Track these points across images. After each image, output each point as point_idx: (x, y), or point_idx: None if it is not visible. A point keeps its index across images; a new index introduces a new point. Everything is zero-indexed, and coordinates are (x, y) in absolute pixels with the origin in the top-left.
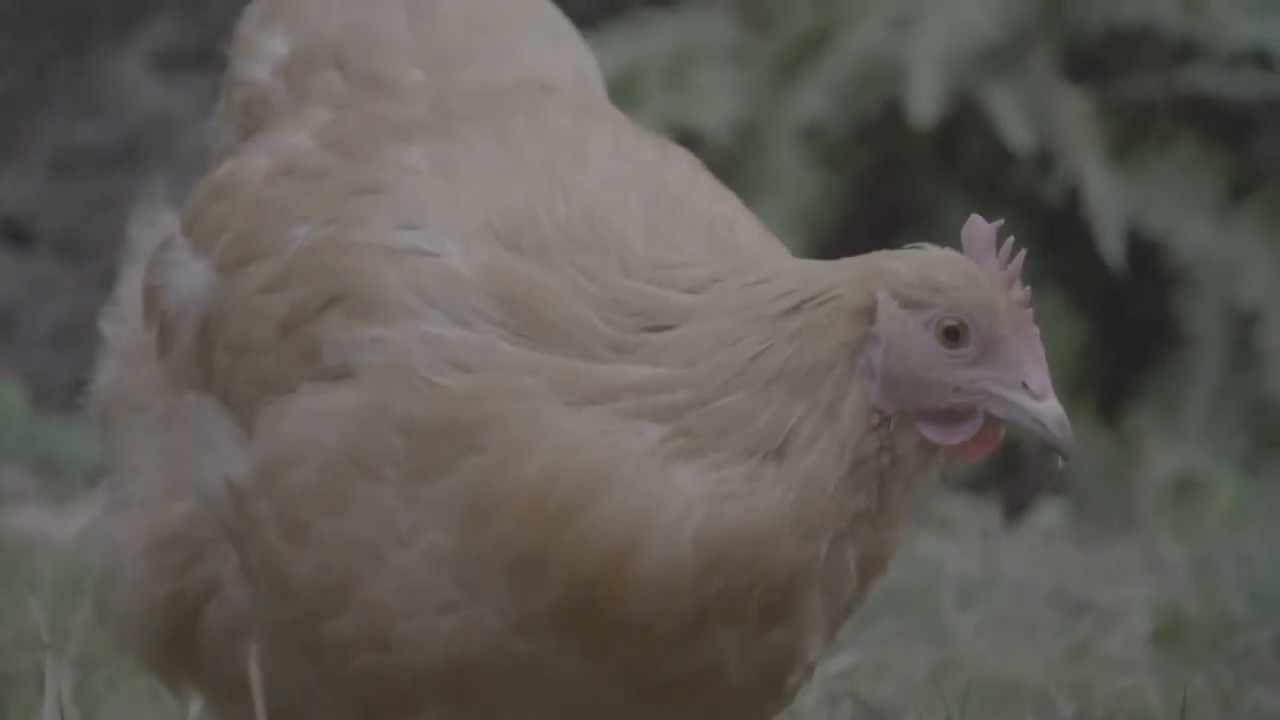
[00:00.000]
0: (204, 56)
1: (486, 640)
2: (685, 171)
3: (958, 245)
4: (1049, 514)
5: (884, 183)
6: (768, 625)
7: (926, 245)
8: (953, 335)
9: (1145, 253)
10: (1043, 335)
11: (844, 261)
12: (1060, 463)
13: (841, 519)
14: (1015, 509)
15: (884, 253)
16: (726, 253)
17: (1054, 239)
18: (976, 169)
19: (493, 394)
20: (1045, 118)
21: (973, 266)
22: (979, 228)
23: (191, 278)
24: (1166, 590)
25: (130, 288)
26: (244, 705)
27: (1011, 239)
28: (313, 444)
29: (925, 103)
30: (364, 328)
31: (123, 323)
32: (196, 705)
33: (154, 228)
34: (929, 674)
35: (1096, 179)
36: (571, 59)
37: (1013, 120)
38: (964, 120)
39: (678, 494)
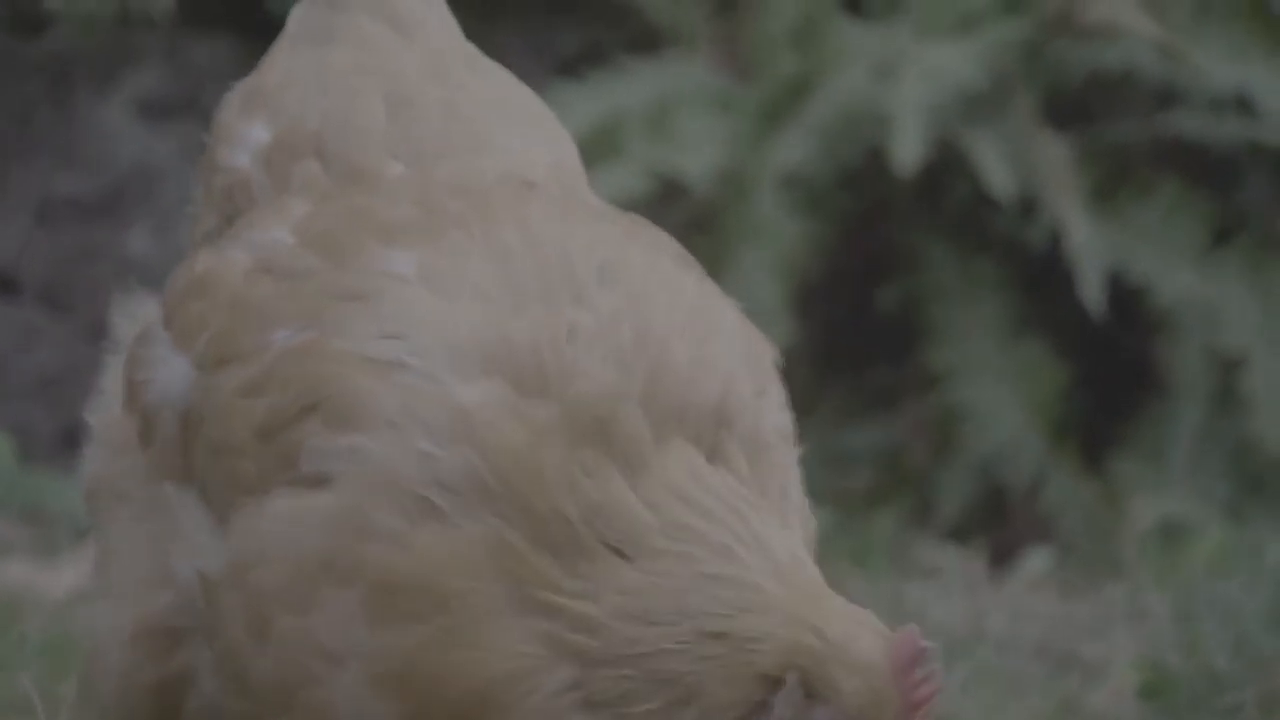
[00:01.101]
0: (187, 105)
1: None
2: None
3: (942, 292)
4: (1035, 561)
5: (867, 229)
6: None
7: (865, 619)
8: None
9: (1127, 298)
10: (1026, 381)
11: (787, 598)
12: None
13: None
14: (1001, 554)
15: (825, 610)
16: (720, 479)
17: (1036, 284)
18: (959, 215)
19: (450, 566)
20: (1027, 164)
21: (887, 685)
22: (907, 645)
23: (171, 373)
24: (1152, 643)
25: (112, 378)
26: None
27: (938, 665)
28: (285, 544)
29: (907, 150)
30: (342, 436)
31: (106, 413)
32: None
33: (134, 319)
34: None
35: (1078, 225)
36: (549, 146)
37: (994, 167)
38: (946, 167)
39: None
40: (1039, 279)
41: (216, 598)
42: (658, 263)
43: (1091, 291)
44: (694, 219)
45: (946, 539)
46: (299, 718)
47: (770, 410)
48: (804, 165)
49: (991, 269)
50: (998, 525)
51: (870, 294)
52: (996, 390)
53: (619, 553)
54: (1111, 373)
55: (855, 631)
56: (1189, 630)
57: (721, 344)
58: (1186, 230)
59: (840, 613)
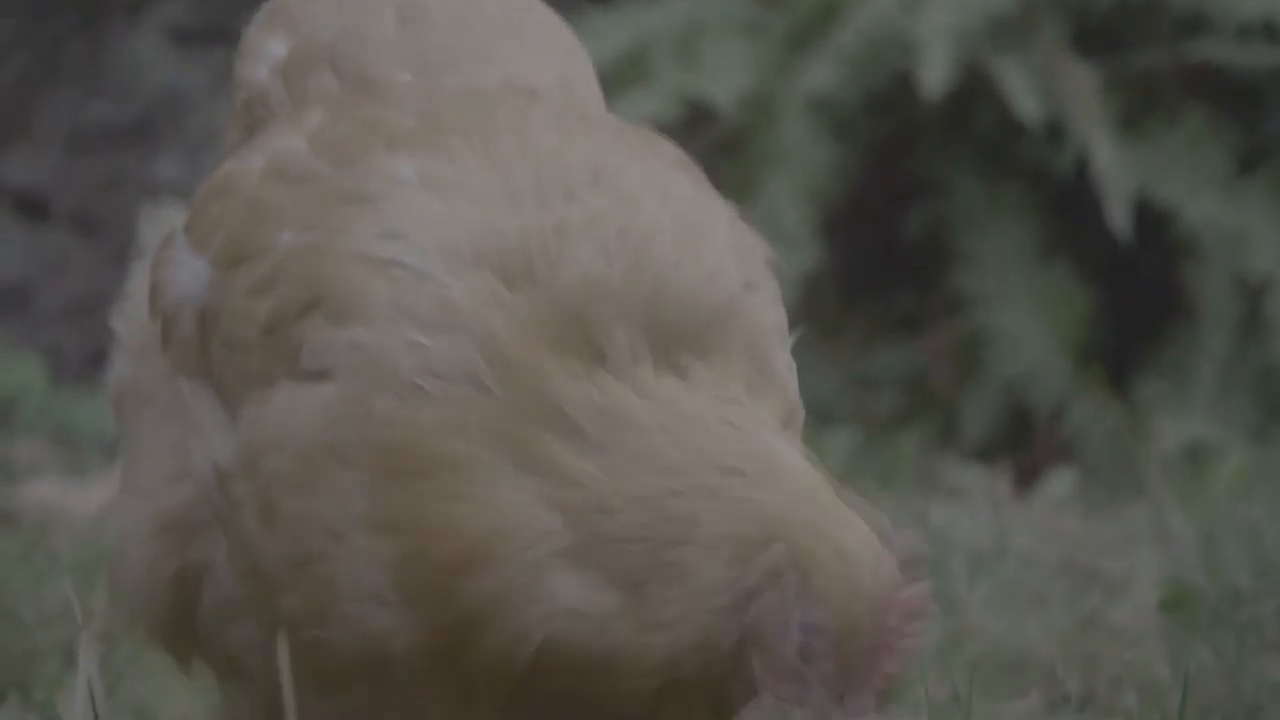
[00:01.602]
0: (217, 34)
1: (402, 645)
2: (676, 200)
3: (969, 218)
4: (1059, 483)
5: (894, 155)
6: None
7: (871, 543)
8: (806, 655)
9: (1153, 224)
10: (1052, 306)
11: (791, 493)
12: None
13: (677, 686)
14: (1025, 477)
15: (835, 521)
16: (709, 372)
17: (1063, 210)
18: (986, 141)
19: (446, 430)
20: (1054, 90)
21: (870, 619)
22: (913, 599)
23: (189, 274)
24: (1174, 562)
25: (138, 283)
26: (240, 683)
27: (929, 597)
28: (290, 432)
29: (935, 75)
30: (341, 332)
31: (131, 318)
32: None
33: (160, 224)
34: (938, 646)
35: (1105, 151)
36: (559, 61)
37: (1022, 93)
38: (974, 93)
39: (543, 600)
40: (1065, 205)
41: (229, 488)
42: (652, 167)
43: (1118, 217)
44: (721, 144)
45: (971, 461)
46: (305, 596)
47: (761, 305)
48: (831, 91)
49: (1018, 195)
50: (1022, 448)
51: (897, 219)
52: (1022, 314)
53: (607, 428)
54: (1137, 298)
55: (861, 549)
56: (1211, 549)
57: (709, 239)
58: (1212, 156)
59: (852, 528)
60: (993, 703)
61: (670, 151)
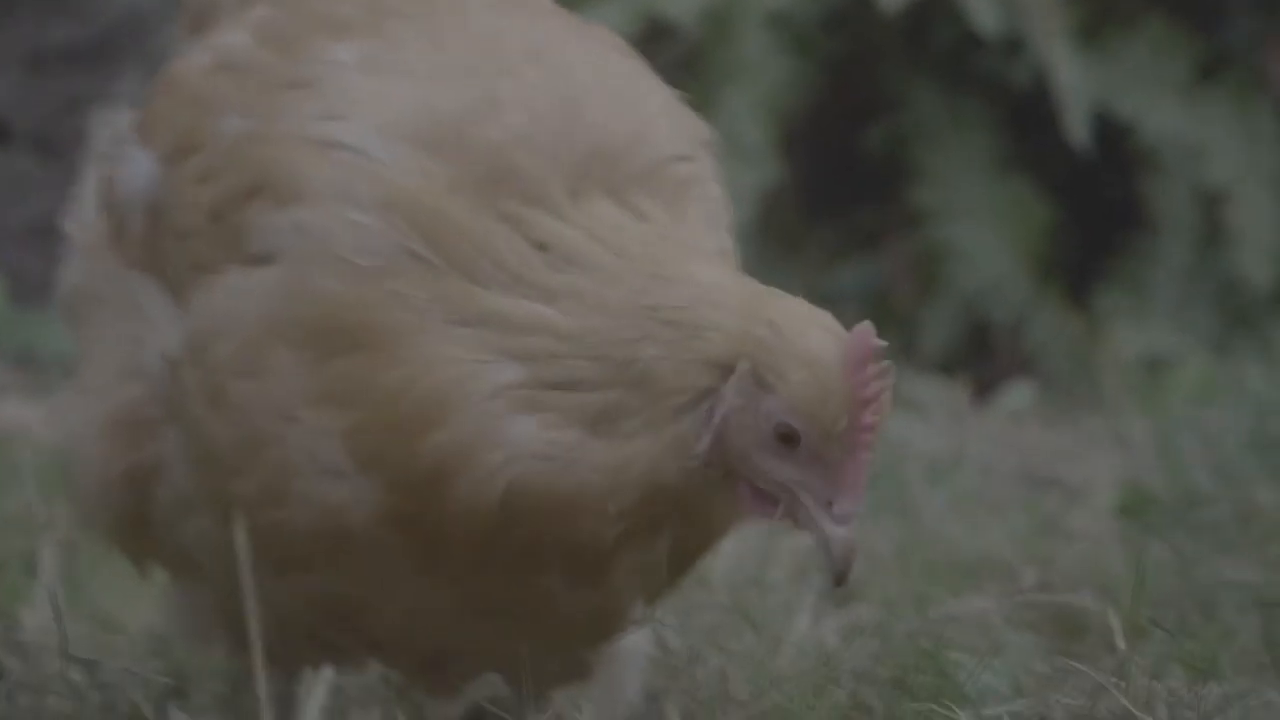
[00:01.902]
0: None
1: (361, 516)
2: (611, 74)
3: (927, 132)
4: (1017, 395)
5: (853, 70)
6: (574, 584)
7: (819, 317)
8: (785, 437)
9: (1113, 136)
10: (1012, 220)
11: (739, 295)
12: (832, 585)
13: (643, 519)
14: (984, 390)
15: (778, 300)
16: (649, 210)
17: (1022, 123)
18: (944, 55)
19: (383, 302)
20: (1012, 2)
21: (834, 380)
22: (863, 341)
23: (137, 169)
24: (1132, 466)
25: (88, 185)
26: (194, 580)
27: (888, 361)
28: (235, 317)
29: None
30: (285, 214)
31: (82, 219)
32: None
33: (111, 125)
34: (896, 549)
35: (1063, 62)
36: None
37: (980, 6)
38: (932, 6)
39: (504, 445)
40: (1024, 118)
41: (179, 377)
42: (591, 48)
43: (1077, 129)
44: (681, 61)
45: (931, 376)
46: (259, 479)
47: (698, 174)
48: (790, 6)
49: (977, 108)
50: (982, 362)
51: (856, 135)
52: (981, 228)
53: (552, 270)
54: (1097, 210)
55: (807, 326)
56: (1170, 454)
57: (641, 106)
58: (1172, 66)
59: (793, 309)
60: (950, 598)
61: (610, 38)
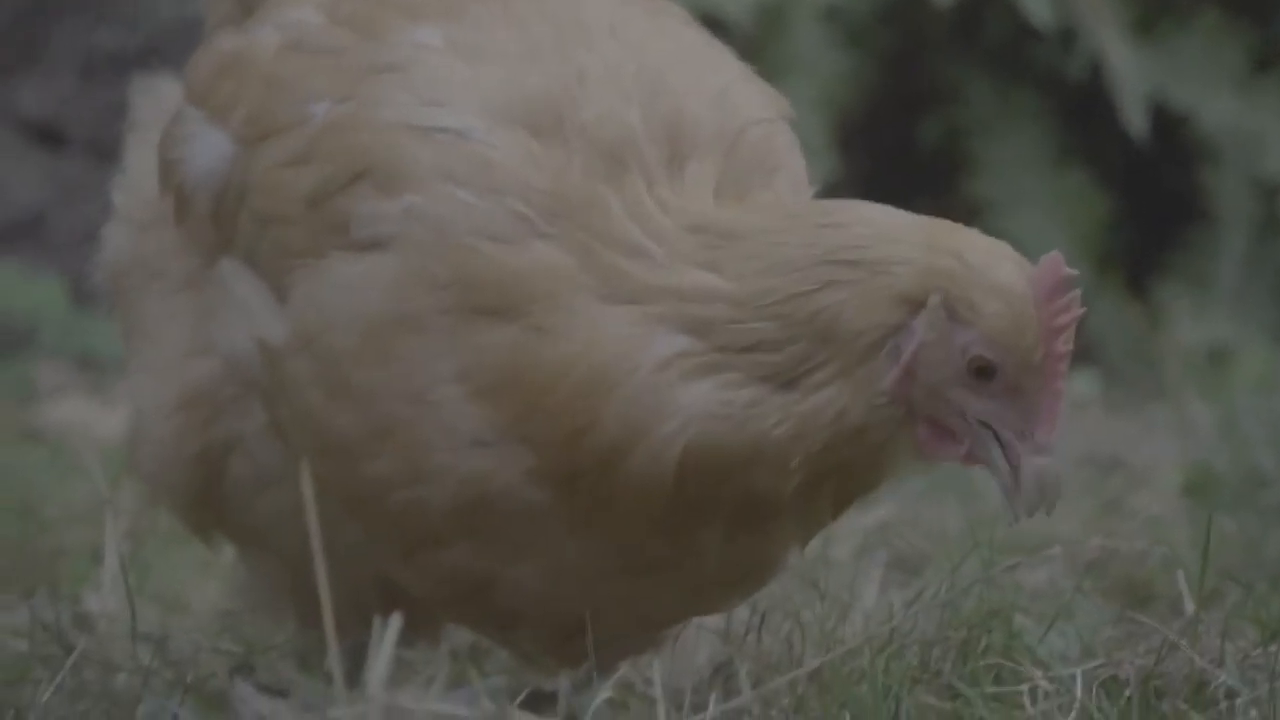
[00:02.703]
0: None
1: (505, 481)
2: (687, 46)
3: (983, 123)
4: (1080, 384)
5: (908, 63)
6: (737, 535)
7: (1003, 249)
8: (981, 369)
9: (1170, 127)
10: (1069, 211)
11: (919, 229)
12: (1014, 519)
13: (822, 464)
14: None
15: (962, 234)
16: (763, 172)
17: (1078, 115)
18: (999, 47)
19: (539, 271)
20: None
21: (1029, 310)
22: (1053, 269)
23: (209, 149)
24: (1195, 449)
25: (137, 155)
26: (267, 553)
27: (1079, 292)
28: (351, 309)
29: None
30: (393, 200)
31: (132, 191)
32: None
33: (153, 95)
34: (962, 529)
35: (1119, 54)
36: None
37: None
38: None
39: (678, 412)
40: (1080, 110)
41: (281, 366)
42: (664, 22)
43: (1133, 119)
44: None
45: None
46: (389, 461)
47: (785, 145)
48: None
49: (1032, 100)
50: None
51: (912, 128)
52: (1039, 220)
53: (715, 242)
54: (1155, 201)
55: (996, 257)
56: (1233, 437)
57: (720, 74)
58: (1227, 57)
59: (980, 241)
60: (1017, 575)
61: (681, 12)
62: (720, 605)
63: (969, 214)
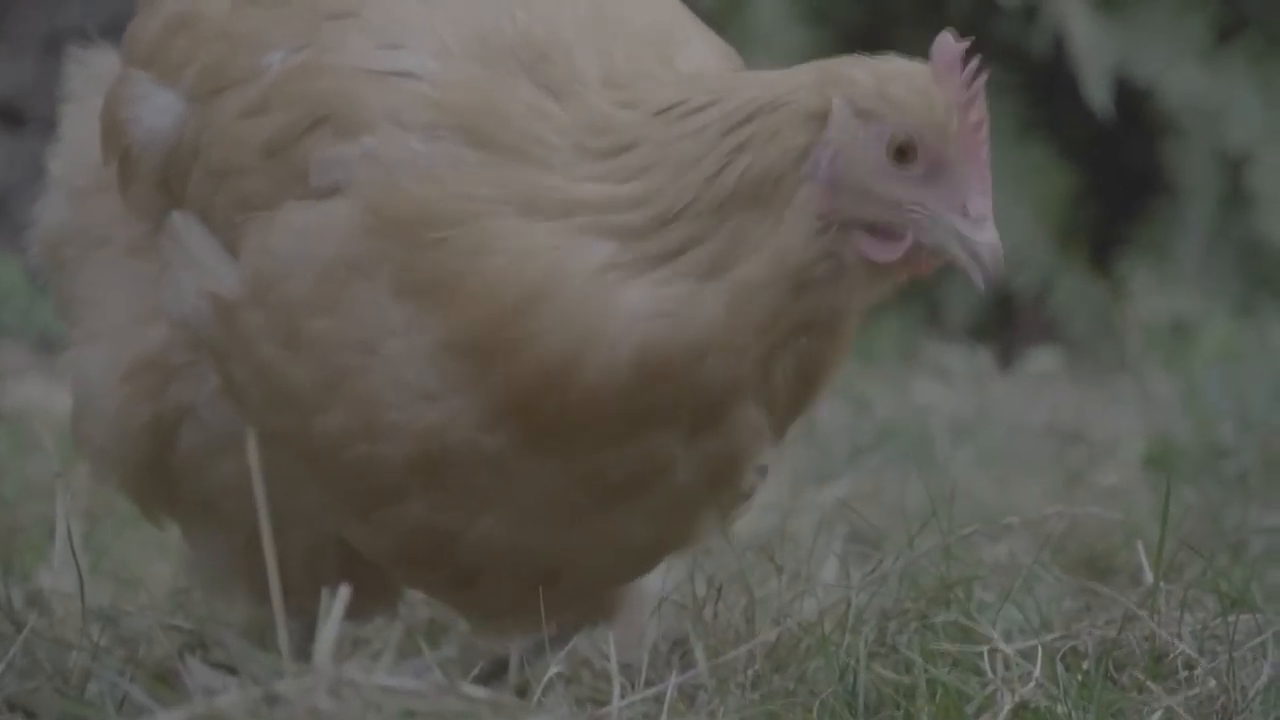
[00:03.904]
0: None
1: (460, 432)
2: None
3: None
4: (1043, 359)
5: (871, 38)
6: (701, 433)
7: (892, 56)
8: (902, 152)
9: (1133, 100)
10: (1033, 187)
11: (803, 67)
12: (981, 287)
13: (774, 331)
14: (1009, 357)
15: (846, 58)
16: (688, 76)
17: (1041, 89)
18: (962, 21)
19: (457, 199)
20: None
21: (932, 85)
22: (946, 46)
23: (158, 109)
24: (1158, 421)
25: (75, 124)
26: (218, 524)
27: (977, 59)
28: (306, 255)
29: None
30: (352, 145)
31: (71, 160)
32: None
33: (89, 65)
34: (923, 502)
35: (1082, 27)
36: None
37: None
38: None
39: (618, 314)
40: (1043, 84)
41: (235, 319)
42: None
43: (1097, 93)
44: None
45: (955, 344)
46: (344, 414)
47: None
48: None
49: (995, 75)
50: (1006, 329)
51: None
52: (1002, 196)
53: (614, 149)
54: (1119, 176)
55: (886, 59)
56: (1196, 409)
57: (668, 9)
58: (1191, 30)
59: (866, 57)
60: (977, 548)
61: None
62: (694, 529)
63: None
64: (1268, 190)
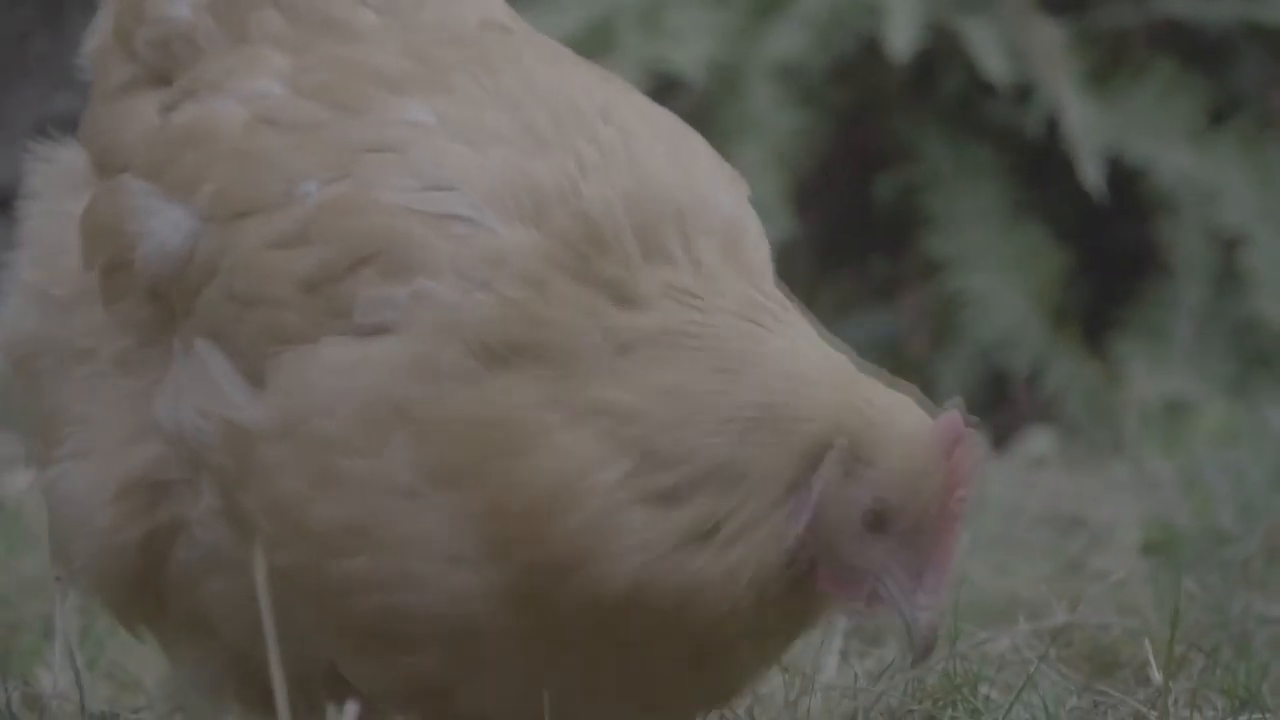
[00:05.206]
0: None
1: (486, 601)
2: (663, 131)
3: (939, 181)
4: (1038, 441)
5: (862, 120)
6: (695, 667)
7: (905, 400)
8: (878, 516)
9: (1126, 181)
10: (1026, 267)
11: (826, 374)
12: (908, 661)
13: (749, 607)
14: (1003, 439)
15: (871, 384)
16: (724, 276)
17: (1034, 170)
18: (954, 103)
19: (508, 392)
20: (1022, 49)
21: (928, 465)
22: (952, 425)
23: (170, 224)
24: (1157, 506)
25: (45, 227)
26: (206, 642)
27: (979, 440)
28: (345, 393)
29: (902, 37)
30: (400, 286)
31: (44, 266)
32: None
33: (53, 162)
34: None
35: (1074, 109)
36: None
37: (989, 53)
38: (940, 54)
39: (630, 532)
40: (1036, 165)
41: (254, 450)
42: (635, 100)
43: (1090, 174)
44: (689, 114)
45: None
46: (370, 560)
47: (752, 230)
48: (797, 57)
49: (988, 156)
50: (1000, 410)
51: (867, 185)
52: (996, 277)
53: (649, 358)
54: (1112, 256)
55: (899, 407)
56: (1194, 493)
57: (697, 165)
58: (1183, 111)
59: (882, 392)
60: (980, 631)
61: (630, 87)
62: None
63: (926, 271)
64: (1262, 270)
